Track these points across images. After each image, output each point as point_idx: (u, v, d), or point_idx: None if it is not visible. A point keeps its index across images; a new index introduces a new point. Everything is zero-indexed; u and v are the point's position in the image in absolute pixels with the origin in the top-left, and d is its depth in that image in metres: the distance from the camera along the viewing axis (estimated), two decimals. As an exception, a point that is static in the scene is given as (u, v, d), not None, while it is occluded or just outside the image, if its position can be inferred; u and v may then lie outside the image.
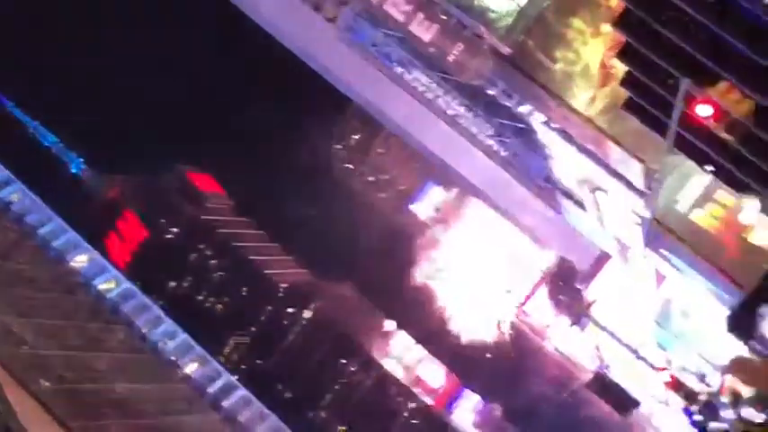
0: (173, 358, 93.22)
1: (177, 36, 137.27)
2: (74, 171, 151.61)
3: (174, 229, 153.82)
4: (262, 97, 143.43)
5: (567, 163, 37.43)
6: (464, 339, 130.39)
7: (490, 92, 50.29)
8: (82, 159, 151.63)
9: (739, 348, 32.18)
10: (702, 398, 33.83)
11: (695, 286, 37.99)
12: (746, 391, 27.34)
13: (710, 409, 29.99)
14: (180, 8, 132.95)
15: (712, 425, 29.47)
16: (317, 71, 67.70)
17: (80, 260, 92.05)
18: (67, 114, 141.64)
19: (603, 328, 42.04)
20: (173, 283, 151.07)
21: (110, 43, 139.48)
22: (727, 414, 28.21)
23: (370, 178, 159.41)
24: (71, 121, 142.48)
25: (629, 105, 28.81)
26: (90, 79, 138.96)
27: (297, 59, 66.49)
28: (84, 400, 69.90)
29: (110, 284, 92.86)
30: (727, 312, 29.47)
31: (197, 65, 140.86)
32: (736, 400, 27.55)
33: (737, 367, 31.44)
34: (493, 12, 42.84)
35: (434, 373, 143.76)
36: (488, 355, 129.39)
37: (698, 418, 31.52)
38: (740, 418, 27.64)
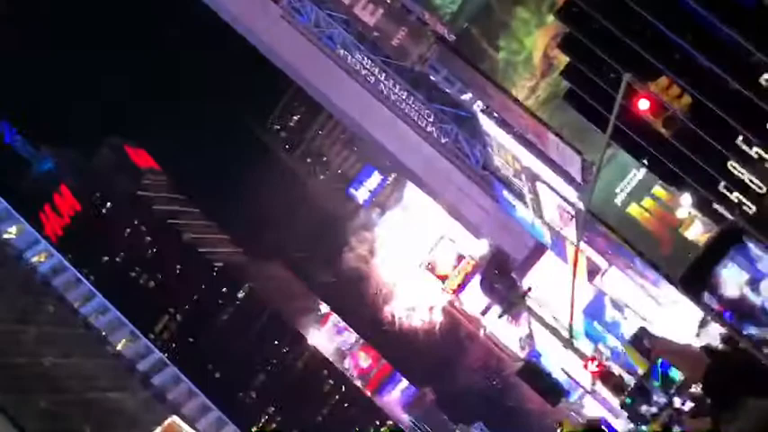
0: (103, 334, 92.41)
1: (119, 8, 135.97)
2: (7, 141, 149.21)
3: (109, 204, 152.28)
4: (202, 74, 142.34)
5: (505, 152, 37.55)
6: (397, 324, 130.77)
7: (432, 78, 50.38)
8: (15, 129, 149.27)
9: (669, 334, 32.59)
10: (630, 387, 34.21)
11: (627, 278, 38.39)
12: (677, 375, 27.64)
13: (642, 392, 30.30)
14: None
15: (643, 408, 29.79)
16: (258, 49, 67.25)
17: (11, 232, 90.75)
18: (2, 83, 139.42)
19: (536, 317, 42.36)
20: (105, 258, 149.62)
21: (51, 13, 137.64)
22: (660, 398, 28.52)
23: (309, 160, 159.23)
24: (5, 90, 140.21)
25: (570, 97, 28.86)
26: (28, 49, 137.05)
27: (239, 37, 66.04)
28: (10, 373, 69.08)
29: (41, 257, 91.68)
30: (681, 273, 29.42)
31: (138, 39, 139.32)
32: (668, 383, 27.84)
33: (663, 350, 31.83)
34: (438, -2, 42.88)
35: (366, 358, 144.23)
36: (421, 341, 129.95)
37: (628, 401, 31.83)
38: (671, 404, 27.97)
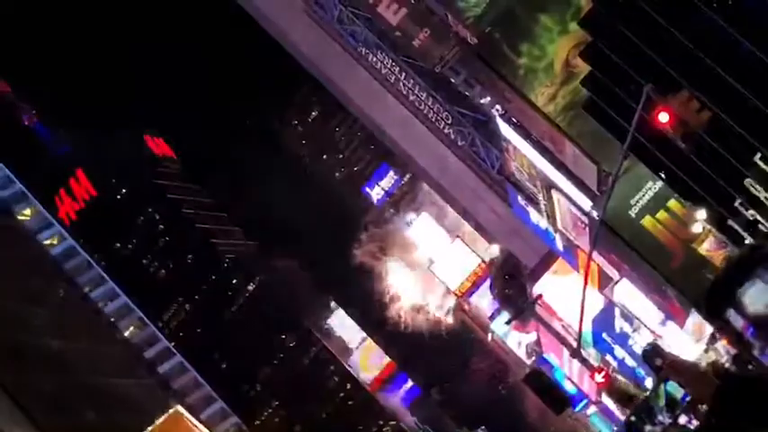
0: (112, 320, 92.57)
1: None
2: (26, 123, 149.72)
3: (124, 191, 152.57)
4: (224, 66, 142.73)
5: (522, 158, 37.48)
6: (405, 325, 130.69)
7: (452, 80, 50.31)
8: (35, 112, 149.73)
9: (679, 351, 32.46)
10: (638, 401, 34.07)
11: (638, 289, 38.27)
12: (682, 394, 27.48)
13: (647, 411, 30.12)
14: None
15: (648, 428, 29.60)
16: (281, 44, 67.29)
17: (26, 214, 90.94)
18: (25, 65, 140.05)
19: (545, 325, 42.28)
20: (117, 245, 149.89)
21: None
22: (664, 418, 28.35)
23: (325, 156, 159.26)
24: (27, 72, 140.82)
25: (589, 106, 28.82)
26: (53, 33, 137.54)
27: (263, 31, 66.14)
28: (17, 353, 69.18)
29: (53, 240, 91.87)
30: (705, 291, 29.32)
31: (163, 27, 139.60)
32: (673, 404, 27.67)
33: (673, 369, 31.61)
34: (462, 1, 42.75)
35: (373, 356, 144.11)
36: (427, 342, 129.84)
37: (633, 419, 31.66)
38: (675, 423, 27.79)
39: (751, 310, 10.22)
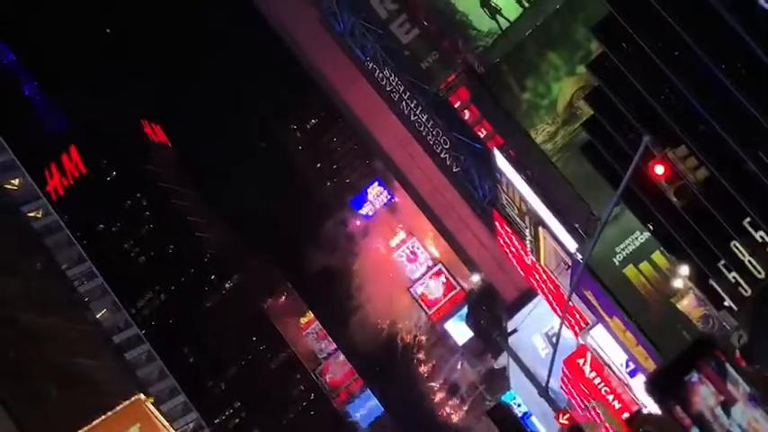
0: (86, 300, 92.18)
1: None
2: (27, 93, 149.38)
3: (115, 173, 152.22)
4: (232, 64, 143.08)
5: (514, 191, 37.57)
6: (376, 342, 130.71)
7: (455, 106, 50.41)
8: (37, 83, 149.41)
9: (648, 402, 32.51)
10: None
11: (612, 336, 38.31)
12: None
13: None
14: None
15: None
16: (290, 48, 67.51)
17: (14, 183, 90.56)
18: (33, 36, 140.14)
19: (516, 361, 42.30)
20: (101, 226, 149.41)
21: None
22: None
23: (319, 165, 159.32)
24: (33, 42, 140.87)
25: (587, 149, 28.90)
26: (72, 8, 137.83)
27: (273, 33, 66.38)
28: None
29: (37, 214, 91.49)
30: (649, 372, 29.51)
31: (174, 21, 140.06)
32: None
33: (643, 418, 31.78)
34: (474, 29, 42.92)
35: (340, 369, 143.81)
36: (396, 362, 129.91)
37: None
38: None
39: (696, 409, 10.33)
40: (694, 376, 11.98)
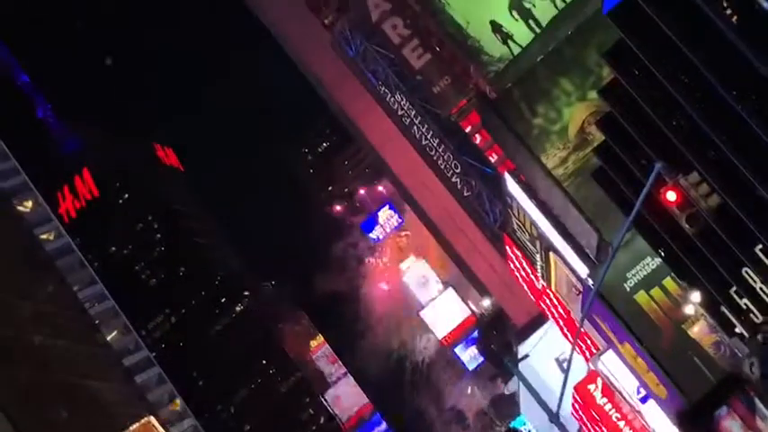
0: (96, 322, 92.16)
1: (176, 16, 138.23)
2: (40, 116, 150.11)
3: (127, 195, 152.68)
4: (244, 88, 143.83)
5: (525, 216, 37.56)
6: (386, 366, 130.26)
7: (466, 130, 50.48)
8: (50, 105, 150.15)
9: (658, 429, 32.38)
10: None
11: (623, 362, 38.19)
12: None
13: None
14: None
15: None
16: (302, 72, 67.73)
17: (26, 205, 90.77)
18: (49, 59, 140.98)
19: (526, 386, 42.14)
20: (113, 248, 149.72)
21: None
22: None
23: (330, 188, 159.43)
24: (46, 65, 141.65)
25: (599, 174, 28.89)
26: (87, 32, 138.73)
27: (285, 57, 66.64)
28: (-1, 344, 69.10)
29: (50, 236, 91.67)
30: (678, 411, 29.37)
31: (186, 38, 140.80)
32: None
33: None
34: (486, 55, 42.98)
35: (351, 394, 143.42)
36: (405, 386, 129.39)
37: None
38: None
39: None
40: (724, 410, 12.02)
